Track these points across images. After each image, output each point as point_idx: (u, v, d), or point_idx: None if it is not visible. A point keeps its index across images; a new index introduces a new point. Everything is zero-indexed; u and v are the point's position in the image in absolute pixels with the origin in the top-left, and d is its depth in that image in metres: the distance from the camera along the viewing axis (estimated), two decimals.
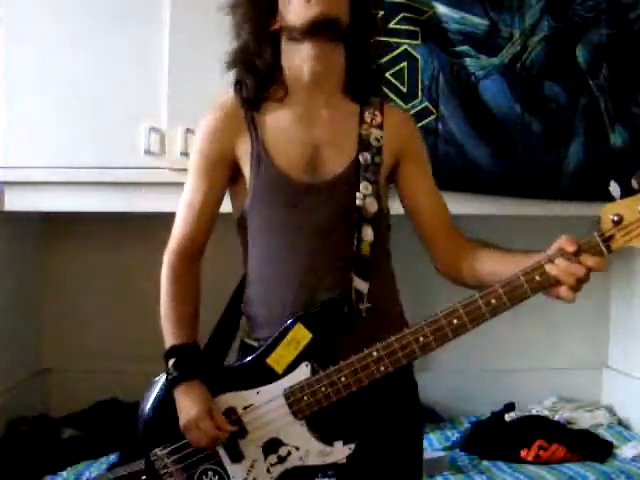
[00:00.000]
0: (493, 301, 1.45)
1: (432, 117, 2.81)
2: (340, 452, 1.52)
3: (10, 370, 2.99)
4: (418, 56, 2.81)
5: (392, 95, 2.81)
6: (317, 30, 1.53)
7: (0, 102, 2.76)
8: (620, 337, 3.44)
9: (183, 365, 1.56)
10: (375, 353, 1.49)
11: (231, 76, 1.67)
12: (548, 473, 2.68)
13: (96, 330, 3.22)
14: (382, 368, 1.49)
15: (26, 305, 3.20)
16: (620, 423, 3.25)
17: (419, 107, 2.82)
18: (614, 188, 1.41)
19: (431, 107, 2.82)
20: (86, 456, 2.74)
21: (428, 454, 2.84)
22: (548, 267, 1.44)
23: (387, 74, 2.81)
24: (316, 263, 1.57)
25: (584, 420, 3.18)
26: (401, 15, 2.78)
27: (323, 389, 1.51)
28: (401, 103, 2.81)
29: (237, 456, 1.56)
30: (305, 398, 1.52)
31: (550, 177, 2.85)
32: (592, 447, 2.87)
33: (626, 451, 2.88)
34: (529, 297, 1.45)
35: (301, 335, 1.53)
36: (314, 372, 1.52)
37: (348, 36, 1.58)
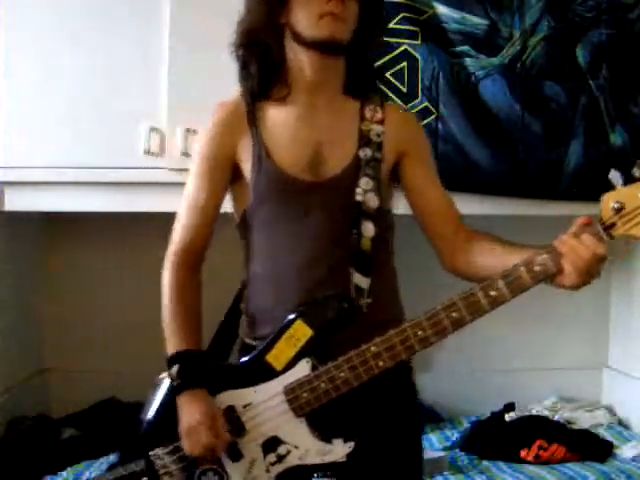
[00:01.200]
0: (492, 293, 1.44)
1: (432, 117, 2.81)
2: (340, 450, 1.51)
3: (10, 370, 2.99)
4: (418, 56, 2.81)
5: (392, 95, 2.81)
6: (322, 49, 1.55)
7: (0, 102, 2.76)
8: (620, 337, 3.44)
9: (187, 373, 1.55)
10: (374, 348, 1.48)
11: (230, 71, 1.67)
12: (548, 473, 2.68)
13: (96, 330, 3.22)
14: (381, 363, 1.47)
15: (26, 305, 3.19)
16: (620, 423, 3.25)
17: (419, 107, 2.82)
18: (614, 176, 1.40)
19: (431, 107, 2.82)
20: (86, 456, 2.74)
21: (428, 454, 2.84)
22: (556, 243, 1.42)
23: (387, 74, 2.82)
24: (317, 261, 1.56)
25: (584, 420, 3.18)
26: (401, 15, 2.78)
27: (323, 385, 1.50)
28: (401, 103, 2.81)
29: (236, 455, 1.55)
30: (305, 395, 1.51)
31: (550, 177, 2.85)
32: (592, 447, 2.87)
33: (626, 451, 2.88)
34: (529, 287, 1.44)
35: (301, 332, 1.52)
36: (314, 369, 1.51)
37: (351, 43, 1.58)
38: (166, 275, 1.63)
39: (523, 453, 2.81)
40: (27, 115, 2.76)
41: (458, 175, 2.83)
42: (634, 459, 2.81)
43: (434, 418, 3.27)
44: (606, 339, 3.51)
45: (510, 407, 3.19)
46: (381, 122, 1.63)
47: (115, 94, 2.74)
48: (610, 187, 1.40)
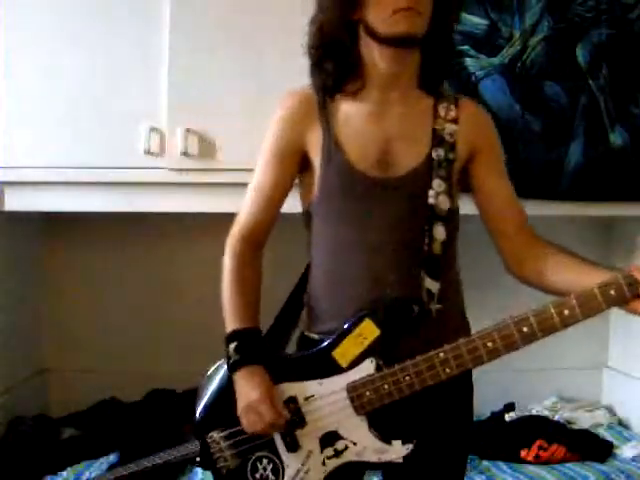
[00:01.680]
0: (566, 312, 1.45)
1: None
2: (398, 451, 1.52)
3: (10, 370, 2.98)
4: None
5: None
6: (397, 44, 1.53)
7: (0, 102, 2.76)
8: (620, 337, 3.44)
9: (245, 349, 1.55)
10: (442, 354, 1.48)
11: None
12: (548, 473, 2.68)
13: (96, 330, 3.22)
14: (447, 370, 1.48)
15: (26, 305, 3.19)
16: (620, 423, 3.24)
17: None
18: None
19: None
20: (86, 456, 2.73)
21: None
22: (634, 271, 1.44)
23: None
24: (386, 260, 1.55)
25: (584, 420, 3.17)
26: None
27: (386, 386, 1.50)
28: None
29: (294, 446, 1.56)
30: (368, 394, 1.51)
31: (550, 177, 2.85)
32: (592, 447, 2.87)
33: (626, 451, 2.88)
34: (603, 310, 1.46)
35: (369, 331, 1.52)
36: (378, 369, 1.51)
37: (427, 38, 1.56)
38: (228, 258, 1.63)
39: (523, 453, 2.80)
40: (27, 115, 2.76)
41: None
42: (634, 459, 2.81)
43: None
44: (606, 339, 3.51)
45: (510, 407, 3.19)
46: (455, 121, 1.61)
47: (115, 94, 2.74)
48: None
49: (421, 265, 1.55)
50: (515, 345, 1.47)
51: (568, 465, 2.74)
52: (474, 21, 2.82)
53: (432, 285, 1.56)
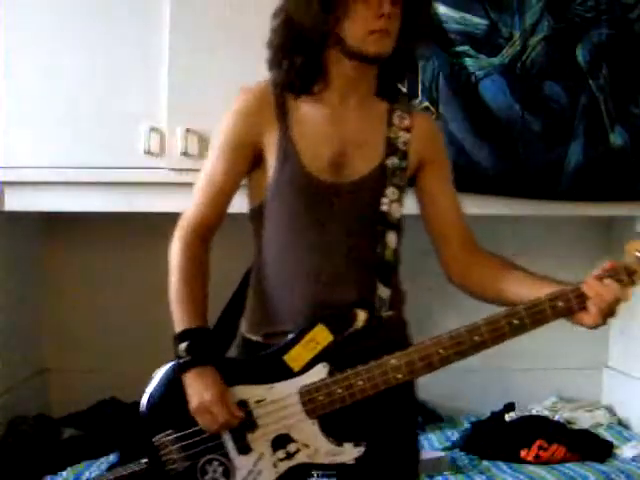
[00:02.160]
0: (515, 322, 1.48)
1: (432, 117, 2.82)
2: (350, 453, 1.54)
3: (10, 370, 2.98)
4: None
5: None
6: (366, 62, 1.55)
7: (0, 102, 2.76)
8: (620, 337, 3.43)
9: (197, 349, 1.54)
10: (394, 361, 1.50)
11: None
12: (548, 473, 2.68)
13: (96, 330, 3.22)
14: (399, 376, 1.50)
15: (26, 305, 3.19)
16: (620, 423, 3.25)
17: (419, 107, 2.82)
18: None
19: (431, 107, 2.82)
20: (86, 456, 2.73)
21: (428, 454, 2.84)
22: (585, 288, 1.48)
23: None
24: (336, 265, 1.56)
25: (584, 420, 3.18)
26: None
27: (339, 391, 1.51)
28: None
29: (245, 449, 1.56)
30: (320, 398, 1.52)
31: (550, 177, 2.85)
32: (592, 447, 2.87)
33: (626, 451, 2.88)
34: (550, 321, 1.49)
35: (322, 336, 1.53)
36: (331, 374, 1.52)
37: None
38: (175, 250, 1.60)
39: (523, 453, 2.80)
40: (27, 115, 2.76)
41: (458, 175, 2.81)
42: (634, 459, 2.81)
43: (434, 418, 3.26)
44: (606, 339, 3.51)
45: (510, 407, 3.19)
46: (407, 129, 1.63)
47: (115, 94, 2.74)
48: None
49: (374, 272, 1.57)
50: (466, 353, 1.49)
51: (568, 465, 2.74)
52: (474, 21, 2.82)
53: (384, 292, 1.58)
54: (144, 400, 1.60)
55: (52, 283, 3.29)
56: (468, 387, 3.39)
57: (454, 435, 3.05)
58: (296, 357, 1.54)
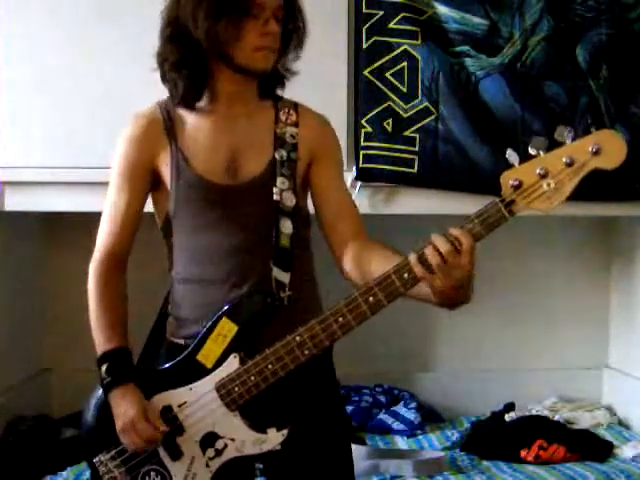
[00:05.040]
0: (405, 275, 1.44)
1: (432, 117, 2.82)
2: (274, 439, 1.56)
3: (10, 370, 2.99)
4: (418, 56, 2.81)
5: (392, 95, 2.82)
6: (252, 76, 1.63)
7: (0, 102, 2.76)
8: (620, 337, 3.44)
9: (116, 369, 1.62)
10: (298, 338, 1.52)
11: None
12: (548, 473, 2.68)
13: None
14: (306, 352, 1.52)
15: (26, 305, 3.20)
16: (620, 423, 3.25)
17: (419, 107, 2.82)
18: (511, 155, 1.45)
19: (431, 107, 2.82)
20: None
21: (428, 454, 2.85)
22: (422, 255, 1.43)
23: (387, 74, 2.82)
24: (240, 260, 1.62)
25: (584, 420, 3.18)
26: (401, 15, 2.79)
27: (252, 378, 1.54)
28: (401, 103, 2.81)
29: (176, 454, 1.59)
30: (236, 389, 1.55)
31: None
32: (592, 447, 2.87)
33: (626, 451, 2.88)
34: (403, 294, 1.46)
35: (227, 328, 1.57)
36: (243, 363, 1.55)
37: None
38: (91, 281, 1.70)
39: (523, 453, 2.81)
40: (27, 115, 2.76)
41: (458, 175, 2.83)
42: (634, 459, 2.81)
43: (434, 418, 3.27)
44: (606, 339, 3.51)
45: (510, 407, 3.20)
46: (295, 124, 1.69)
47: (115, 94, 2.74)
48: (509, 166, 1.45)
49: (271, 257, 1.62)
50: (364, 315, 1.49)
51: (568, 465, 2.75)
52: (474, 21, 2.82)
53: (282, 275, 1.62)
54: (81, 423, 1.69)
55: (52, 283, 3.30)
56: (468, 387, 3.39)
57: (454, 435, 3.05)
58: (208, 354, 1.57)
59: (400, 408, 3.22)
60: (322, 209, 1.71)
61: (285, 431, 1.56)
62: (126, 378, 1.61)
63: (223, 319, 1.57)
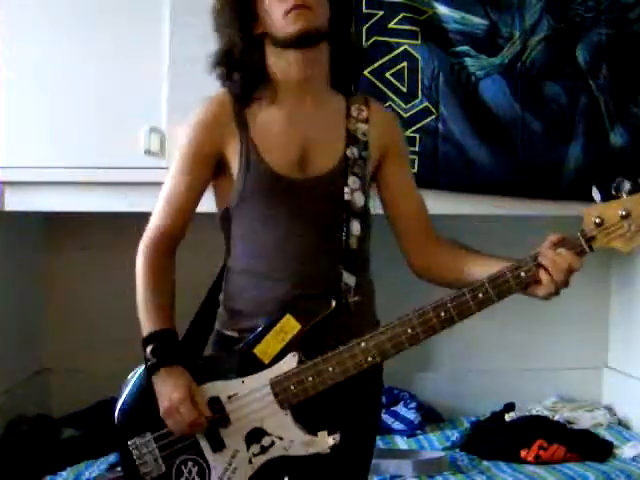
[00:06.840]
0: (480, 295, 1.49)
1: (432, 117, 2.82)
2: (324, 442, 1.54)
3: (10, 370, 2.99)
4: (418, 56, 2.81)
5: (392, 95, 2.81)
6: (299, 43, 1.57)
7: (0, 102, 2.76)
8: (620, 337, 3.44)
9: (162, 350, 1.56)
10: (363, 344, 1.51)
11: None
12: (548, 473, 2.68)
13: (96, 330, 3.21)
14: (370, 359, 1.50)
15: (26, 305, 3.19)
16: (620, 423, 3.25)
17: (419, 107, 2.82)
18: (595, 193, 1.52)
19: (431, 107, 2.82)
20: (86, 456, 2.74)
21: (428, 454, 2.85)
22: (540, 258, 1.49)
23: (387, 74, 2.82)
24: (306, 258, 1.58)
25: (584, 420, 3.18)
26: (401, 15, 2.79)
27: (310, 379, 1.52)
28: (401, 103, 2.81)
29: (218, 445, 1.56)
30: (291, 388, 1.53)
31: (550, 177, 2.85)
32: (592, 447, 2.87)
33: (626, 451, 2.88)
34: (513, 292, 1.50)
35: (289, 326, 1.54)
36: (301, 362, 1.53)
37: (331, 32, 1.61)
38: (140, 260, 1.66)
39: (523, 453, 2.80)
40: (27, 115, 2.76)
41: (458, 175, 2.83)
42: (634, 459, 2.82)
43: (434, 418, 3.27)
44: (606, 339, 3.51)
45: (510, 407, 3.19)
46: (366, 121, 1.66)
47: (115, 94, 2.74)
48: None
49: (339, 260, 1.59)
50: (434, 330, 1.50)
51: (568, 465, 2.74)
52: (474, 21, 2.82)
53: (349, 279, 1.59)
54: (118, 405, 1.62)
55: (52, 283, 3.29)
56: (468, 387, 3.39)
57: (454, 435, 3.05)
58: (266, 349, 1.55)
59: (400, 408, 3.22)
60: (393, 208, 1.69)
61: (337, 436, 1.53)
62: (173, 360, 1.56)
63: (287, 316, 1.54)
